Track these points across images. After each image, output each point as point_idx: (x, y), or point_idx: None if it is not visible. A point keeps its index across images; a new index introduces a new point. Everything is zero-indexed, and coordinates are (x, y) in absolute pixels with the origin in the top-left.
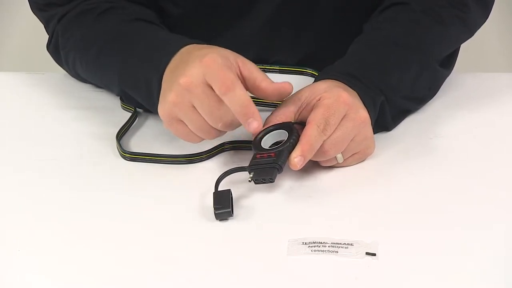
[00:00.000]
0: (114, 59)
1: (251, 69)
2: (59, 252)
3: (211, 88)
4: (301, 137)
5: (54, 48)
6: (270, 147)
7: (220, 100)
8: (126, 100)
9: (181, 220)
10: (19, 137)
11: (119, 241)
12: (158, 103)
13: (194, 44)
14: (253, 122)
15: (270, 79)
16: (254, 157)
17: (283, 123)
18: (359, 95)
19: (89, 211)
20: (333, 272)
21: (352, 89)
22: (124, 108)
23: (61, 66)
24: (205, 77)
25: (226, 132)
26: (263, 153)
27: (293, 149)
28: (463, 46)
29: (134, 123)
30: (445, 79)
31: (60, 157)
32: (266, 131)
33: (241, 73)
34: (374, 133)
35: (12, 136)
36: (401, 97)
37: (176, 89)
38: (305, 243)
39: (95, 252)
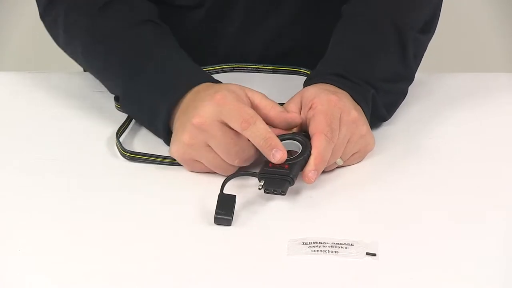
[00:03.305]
0: (119, 73)
1: (259, 98)
2: (59, 252)
3: (226, 125)
4: (312, 150)
5: (53, 23)
6: None
7: (236, 137)
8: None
9: (181, 220)
10: (19, 137)
11: (119, 241)
12: (159, 130)
13: (204, 84)
14: (277, 153)
15: (279, 107)
16: (265, 165)
17: (297, 134)
18: (349, 94)
19: (89, 211)
20: (333, 272)
21: (342, 89)
22: (119, 109)
23: (54, 39)
24: (220, 116)
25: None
26: (276, 163)
27: (306, 163)
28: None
29: (132, 122)
30: (427, 44)
31: (60, 156)
32: (280, 139)
33: (251, 104)
34: (373, 126)
35: (12, 135)
36: (390, 83)
37: (189, 130)
38: (305, 243)
39: (94, 252)
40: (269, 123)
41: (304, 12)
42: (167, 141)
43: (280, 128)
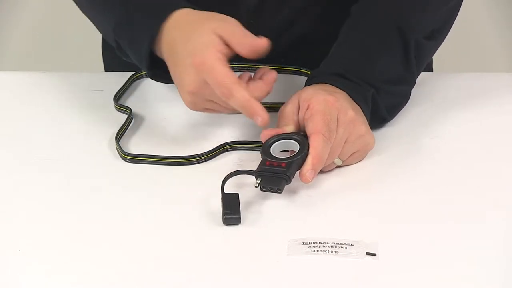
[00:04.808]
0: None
1: (233, 33)
2: (59, 252)
3: None
4: (310, 149)
5: None
6: (278, 155)
7: None
8: (120, 52)
9: (180, 220)
10: (19, 136)
11: (120, 242)
12: (147, 64)
13: (187, 10)
14: (257, 119)
15: (245, 35)
16: (263, 163)
17: (295, 133)
18: (348, 94)
19: (90, 211)
20: (333, 272)
21: (341, 89)
22: (118, 109)
23: None
24: (207, 81)
25: None
26: (273, 161)
27: (303, 162)
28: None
29: (131, 123)
30: (433, 51)
31: (60, 156)
32: (277, 138)
33: (228, 43)
34: (373, 127)
35: (12, 135)
36: (392, 85)
37: (187, 96)
38: (305, 243)
39: (95, 253)
40: (237, 52)
41: (317, 1)
42: (149, 67)
43: (247, 57)
